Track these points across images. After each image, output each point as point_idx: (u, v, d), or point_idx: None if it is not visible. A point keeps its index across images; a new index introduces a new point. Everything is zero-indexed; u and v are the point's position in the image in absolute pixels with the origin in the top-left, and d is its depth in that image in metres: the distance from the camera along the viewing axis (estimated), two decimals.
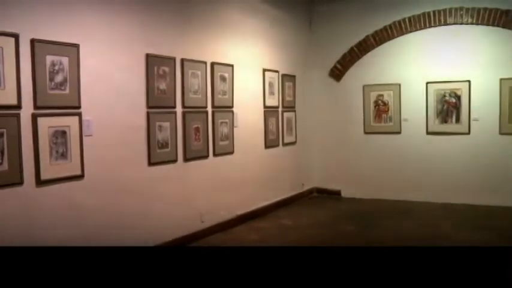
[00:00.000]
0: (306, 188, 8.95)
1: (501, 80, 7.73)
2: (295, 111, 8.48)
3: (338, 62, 8.86)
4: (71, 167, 4.47)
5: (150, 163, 5.39)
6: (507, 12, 7.58)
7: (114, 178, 4.94)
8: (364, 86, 8.68)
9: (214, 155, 6.43)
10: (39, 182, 4.20)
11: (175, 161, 5.74)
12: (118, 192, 4.98)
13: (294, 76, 8.41)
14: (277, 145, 7.96)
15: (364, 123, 8.75)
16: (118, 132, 4.99)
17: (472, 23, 7.85)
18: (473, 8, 7.81)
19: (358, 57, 8.71)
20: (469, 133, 8.03)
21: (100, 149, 4.77)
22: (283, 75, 8.09)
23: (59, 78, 4.37)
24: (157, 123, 5.45)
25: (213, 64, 6.36)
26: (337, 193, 8.99)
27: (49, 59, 4.28)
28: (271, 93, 7.76)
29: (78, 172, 4.55)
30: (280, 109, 8.03)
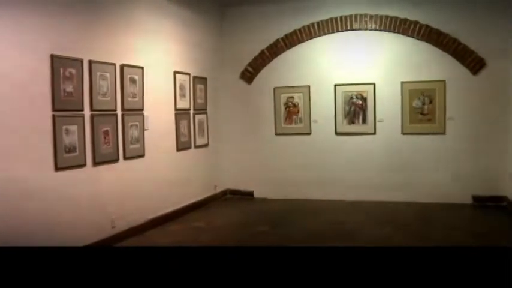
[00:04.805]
0: (219, 189, 8.97)
1: (402, 83, 8.17)
2: (206, 113, 8.48)
3: (249, 64, 8.96)
4: None
5: (57, 168, 5.19)
6: (405, 20, 8.05)
7: (17, 185, 4.71)
8: (274, 88, 8.84)
9: (125, 158, 6.30)
10: None
11: (83, 165, 5.57)
12: (22, 200, 4.75)
13: (205, 78, 8.41)
14: (189, 147, 7.92)
15: (275, 125, 8.91)
16: (21, 137, 4.77)
17: (375, 29, 8.24)
18: (376, 15, 8.20)
19: (269, 60, 8.86)
20: (374, 133, 8.40)
21: (0, 155, 4.54)
22: (195, 78, 8.06)
23: None
24: (64, 127, 5.26)
25: (122, 66, 6.23)
26: (250, 194, 9.09)
27: None
28: (183, 95, 7.71)
29: None
30: (191, 111, 7.99)
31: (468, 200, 7.98)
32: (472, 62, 7.85)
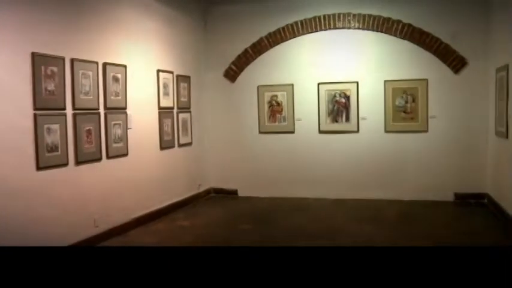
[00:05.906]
0: (203, 188, 8.95)
1: (385, 81, 8.22)
2: (190, 112, 8.45)
3: (233, 63, 8.95)
4: None
5: (39, 167, 5.13)
6: (388, 19, 8.10)
7: None
8: (258, 87, 8.84)
9: (108, 157, 6.26)
10: None
11: (66, 164, 5.52)
12: (3, 199, 4.69)
13: (188, 77, 8.38)
14: (173, 146, 7.89)
15: (259, 123, 8.91)
16: (2, 136, 4.71)
17: (358, 28, 8.28)
18: (359, 14, 8.23)
19: (253, 59, 8.86)
20: (358, 131, 8.45)
21: None
22: (178, 76, 8.03)
23: None
24: (46, 126, 5.21)
25: (105, 64, 6.18)
26: (233, 192, 9.08)
27: None
28: (166, 94, 7.68)
29: None
30: (175, 110, 7.96)
31: (450, 198, 8.05)
32: (454, 61, 7.92)
